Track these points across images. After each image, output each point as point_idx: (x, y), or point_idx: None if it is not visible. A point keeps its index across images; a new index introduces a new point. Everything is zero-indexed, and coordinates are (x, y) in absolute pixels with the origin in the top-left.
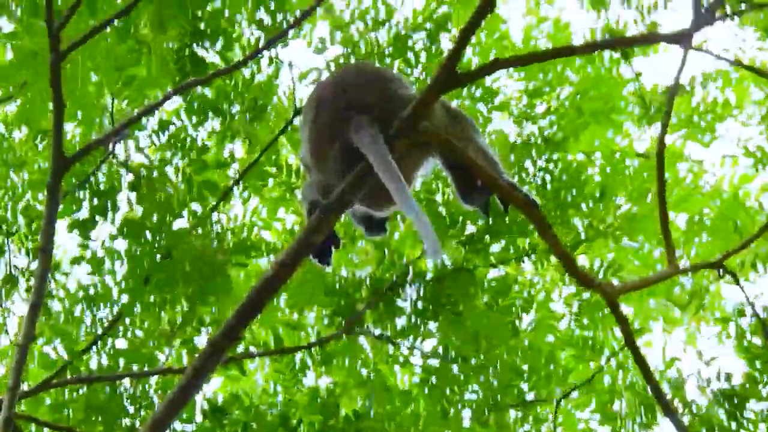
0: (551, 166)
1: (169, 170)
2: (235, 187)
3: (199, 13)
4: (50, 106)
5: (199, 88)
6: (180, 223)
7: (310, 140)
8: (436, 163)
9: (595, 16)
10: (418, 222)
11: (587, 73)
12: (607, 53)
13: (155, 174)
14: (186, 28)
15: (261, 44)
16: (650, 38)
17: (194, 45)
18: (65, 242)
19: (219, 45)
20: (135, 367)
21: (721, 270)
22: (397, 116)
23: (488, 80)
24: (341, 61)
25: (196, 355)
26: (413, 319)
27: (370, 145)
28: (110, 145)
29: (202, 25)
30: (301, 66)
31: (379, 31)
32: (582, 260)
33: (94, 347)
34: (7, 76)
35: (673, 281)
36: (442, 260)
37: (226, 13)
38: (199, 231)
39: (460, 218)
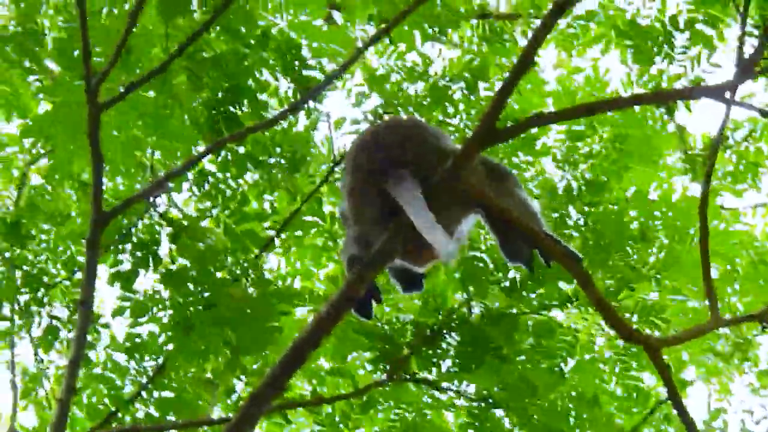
0: (593, 209)
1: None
2: (276, 239)
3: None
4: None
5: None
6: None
7: (350, 195)
8: (478, 219)
9: (635, 70)
10: (426, 231)
11: (629, 114)
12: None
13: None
14: (220, 85)
15: (298, 97)
16: (693, 92)
17: (227, 102)
18: (105, 295)
19: (250, 102)
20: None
21: (764, 323)
22: (436, 169)
23: None
24: (380, 111)
25: (240, 405)
26: (457, 363)
27: (406, 193)
28: (151, 198)
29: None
30: (339, 115)
31: (417, 82)
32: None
33: (139, 397)
34: (43, 129)
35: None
36: (486, 305)
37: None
38: (245, 281)
39: (505, 265)
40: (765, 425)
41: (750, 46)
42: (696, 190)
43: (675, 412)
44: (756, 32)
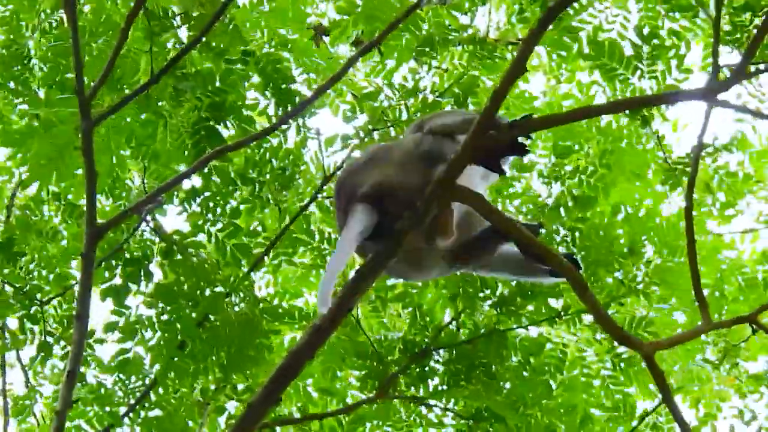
0: (581, 224)
1: (201, 237)
2: (265, 257)
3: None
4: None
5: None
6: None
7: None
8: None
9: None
10: (323, 277)
11: (612, 130)
12: (625, 120)
13: (187, 240)
14: (202, 101)
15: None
16: (674, 96)
17: (210, 119)
18: (98, 310)
19: (234, 118)
20: None
21: (753, 325)
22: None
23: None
24: (369, 127)
25: (233, 422)
26: (446, 381)
27: (341, 239)
28: (143, 214)
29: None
30: (330, 132)
31: (409, 99)
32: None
33: (127, 418)
34: (26, 138)
35: (705, 339)
36: (475, 321)
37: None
38: (234, 298)
39: (495, 280)
40: (755, 426)
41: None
42: (678, 200)
43: (669, 413)
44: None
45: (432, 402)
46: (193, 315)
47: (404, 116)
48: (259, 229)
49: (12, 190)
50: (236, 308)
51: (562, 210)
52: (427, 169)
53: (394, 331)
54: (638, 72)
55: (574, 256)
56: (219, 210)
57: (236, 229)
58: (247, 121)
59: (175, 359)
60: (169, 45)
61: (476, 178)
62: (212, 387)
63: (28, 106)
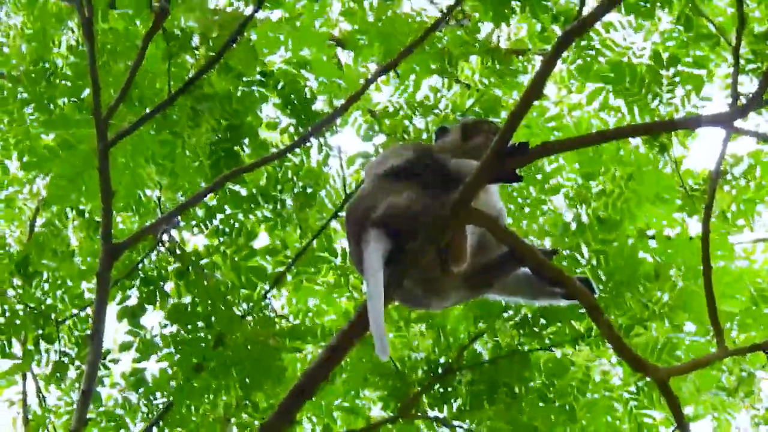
0: (605, 247)
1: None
2: (288, 274)
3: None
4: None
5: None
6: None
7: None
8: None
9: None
10: (371, 325)
11: (639, 154)
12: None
13: (203, 261)
14: (220, 122)
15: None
16: (693, 121)
17: (228, 140)
18: (113, 330)
19: (251, 140)
20: None
21: None
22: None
23: (542, 161)
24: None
25: None
26: (469, 401)
27: (368, 276)
28: (159, 234)
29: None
30: (352, 150)
31: (428, 116)
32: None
33: None
34: (47, 161)
35: (720, 367)
36: (497, 342)
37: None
38: (251, 318)
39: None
40: None
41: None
42: (696, 225)
43: None
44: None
45: (455, 423)
46: (210, 333)
47: (424, 135)
48: (280, 246)
49: (34, 209)
50: (254, 327)
51: (587, 231)
52: (440, 193)
53: (417, 351)
54: (657, 99)
55: (590, 280)
56: (234, 232)
57: (252, 251)
58: (263, 145)
59: (191, 380)
60: (190, 61)
61: (491, 198)
62: (234, 404)
63: (49, 128)
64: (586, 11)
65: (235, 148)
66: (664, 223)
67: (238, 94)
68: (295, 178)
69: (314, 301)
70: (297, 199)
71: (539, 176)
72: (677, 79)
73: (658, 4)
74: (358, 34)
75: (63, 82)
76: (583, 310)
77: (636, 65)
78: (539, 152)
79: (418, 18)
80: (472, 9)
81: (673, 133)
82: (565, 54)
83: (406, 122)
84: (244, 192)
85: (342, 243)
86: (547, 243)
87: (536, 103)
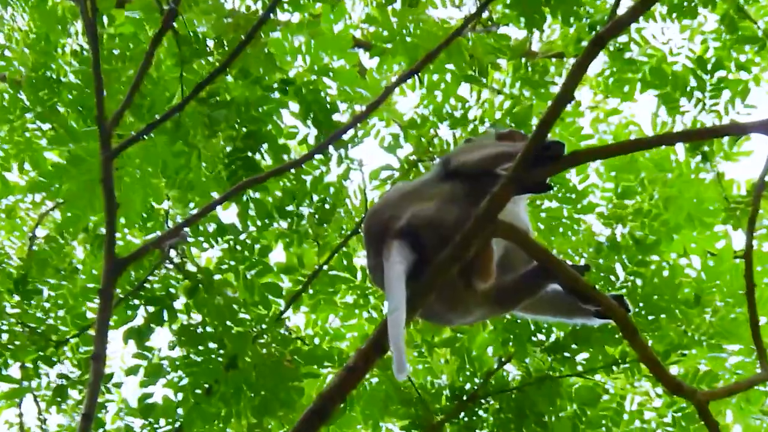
0: (642, 269)
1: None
2: (304, 294)
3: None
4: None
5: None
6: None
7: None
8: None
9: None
10: (391, 340)
11: (680, 171)
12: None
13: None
14: (237, 130)
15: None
16: (738, 128)
17: (246, 149)
18: (119, 352)
19: (270, 147)
20: None
21: None
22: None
23: (575, 179)
24: (412, 158)
25: None
26: (496, 431)
27: (390, 288)
28: (166, 248)
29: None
30: (375, 164)
31: (456, 129)
32: (675, 370)
33: None
34: (53, 182)
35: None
36: (526, 367)
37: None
38: (265, 338)
39: (545, 324)
40: None
41: None
42: (740, 239)
43: None
44: None
45: None
46: (220, 359)
47: (452, 147)
48: (297, 264)
49: (36, 221)
50: (266, 350)
51: (621, 252)
52: (466, 204)
53: (440, 376)
54: (699, 105)
55: (623, 297)
56: (247, 248)
57: (266, 267)
58: (283, 150)
59: (201, 404)
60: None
61: (519, 211)
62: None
63: (56, 144)
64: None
65: (254, 156)
66: (705, 244)
67: (256, 100)
68: (313, 193)
69: (332, 322)
70: (315, 215)
71: (572, 195)
72: (722, 84)
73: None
74: (381, 39)
75: (67, 90)
76: (619, 334)
77: (678, 71)
78: (571, 161)
79: (445, 26)
80: (502, 16)
81: (716, 141)
82: (601, 57)
83: (432, 131)
84: (252, 207)
85: (362, 261)
86: (579, 262)
87: (569, 108)
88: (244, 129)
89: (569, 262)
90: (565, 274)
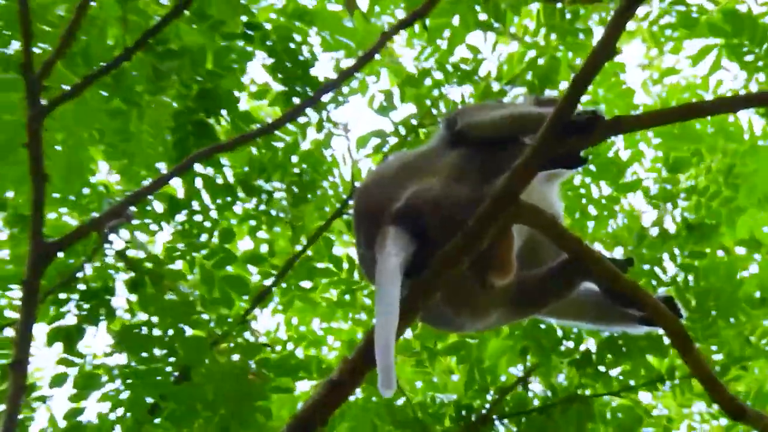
0: (696, 261)
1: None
2: (276, 289)
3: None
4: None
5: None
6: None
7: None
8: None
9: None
10: (377, 348)
11: (752, 141)
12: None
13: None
14: (189, 87)
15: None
16: None
17: (200, 110)
18: (46, 358)
19: (228, 108)
20: None
21: None
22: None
23: (615, 149)
24: (413, 122)
25: None
26: None
27: (381, 286)
28: (105, 232)
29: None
30: (363, 130)
31: (463, 84)
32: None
33: None
34: None
35: None
36: (550, 383)
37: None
38: (227, 345)
39: (575, 330)
40: None
41: None
42: None
43: None
44: None
45: None
46: (169, 368)
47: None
48: (267, 255)
49: None
50: (227, 359)
51: (671, 240)
52: (479, 181)
53: (444, 392)
54: None
55: (674, 300)
56: (207, 232)
57: (228, 256)
58: (244, 117)
59: (144, 424)
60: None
61: (547, 191)
62: None
63: None
64: None
65: (209, 120)
66: None
67: (215, 50)
68: (287, 165)
69: (310, 324)
70: (289, 192)
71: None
72: None
73: None
74: None
75: None
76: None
77: (757, 15)
78: (611, 128)
79: None
80: None
81: None
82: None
83: (437, 91)
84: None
85: (348, 250)
86: (619, 253)
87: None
88: (199, 85)
89: (608, 254)
90: (603, 270)
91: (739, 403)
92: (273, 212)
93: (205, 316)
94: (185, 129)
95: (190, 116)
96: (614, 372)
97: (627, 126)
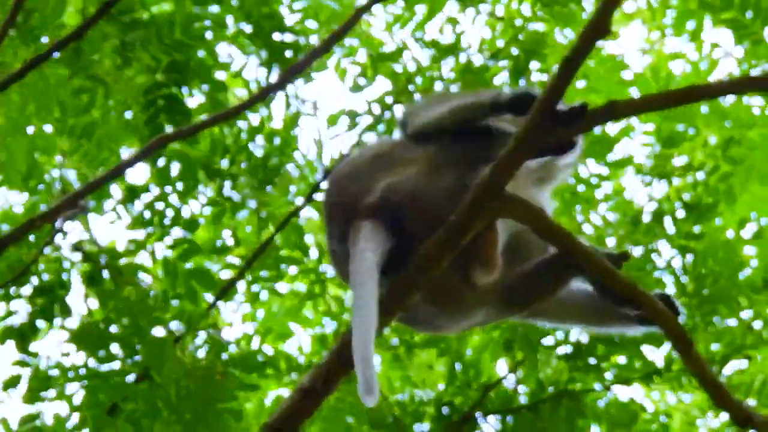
0: (693, 243)
1: (144, 256)
2: (240, 281)
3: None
4: None
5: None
6: (160, 332)
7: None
8: None
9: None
10: (356, 355)
11: (740, 114)
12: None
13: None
14: (158, 59)
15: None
16: None
17: (170, 84)
18: None
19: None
20: None
21: None
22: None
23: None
24: (388, 100)
25: None
26: None
27: (355, 266)
28: (59, 222)
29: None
30: (333, 108)
31: (445, 59)
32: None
33: None
34: None
35: None
36: (538, 378)
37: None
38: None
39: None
40: None
41: None
42: None
43: None
44: None
45: None
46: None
47: (439, 85)
48: (230, 242)
49: None
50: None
51: (667, 221)
52: (460, 171)
53: (423, 388)
54: None
55: (671, 297)
56: (171, 215)
57: (192, 247)
58: (220, 87)
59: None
60: None
61: (532, 184)
62: None
63: None
64: None
65: (181, 93)
66: None
67: (184, 17)
68: (251, 145)
69: (277, 320)
70: (254, 175)
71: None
72: None
73: None
74: None
75: None
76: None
77: None
78: (604, 115)
79: None
80: None
81: None
82: None
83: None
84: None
85: (318, 237)
86: (611, 241)
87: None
88: (168, 57)
89: (603, 251)
90: (595, 267)
91: (743, 407)
92: (236, 197)
93: (167, 313)
94: (155, 105)
95: (160, 91)
96: (606, 365)
97: (621, 111)
